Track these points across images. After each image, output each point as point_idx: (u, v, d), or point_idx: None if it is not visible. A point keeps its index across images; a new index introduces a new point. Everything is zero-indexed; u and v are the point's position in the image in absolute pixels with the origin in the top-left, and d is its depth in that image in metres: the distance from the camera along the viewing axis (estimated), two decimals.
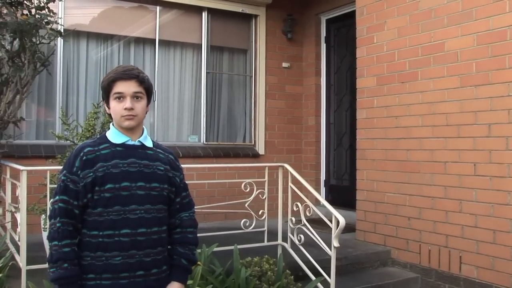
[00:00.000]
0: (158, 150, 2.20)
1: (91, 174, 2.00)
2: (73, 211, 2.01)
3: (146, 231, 2.05)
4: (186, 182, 2.31)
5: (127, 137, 2.11)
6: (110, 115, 2.13)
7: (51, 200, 2.18)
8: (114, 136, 2.11)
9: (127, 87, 2.05)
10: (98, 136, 2.22)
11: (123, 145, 2.10)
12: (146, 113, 2.16)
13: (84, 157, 2.03)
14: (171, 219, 2.20)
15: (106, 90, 2.08)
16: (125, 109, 2.04)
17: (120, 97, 2.05)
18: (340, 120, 7.04)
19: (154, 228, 2.07)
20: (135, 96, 2.07)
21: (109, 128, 2.17)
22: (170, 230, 2.20)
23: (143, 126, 2.18)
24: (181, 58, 6.82)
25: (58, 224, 1.99)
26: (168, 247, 2.19)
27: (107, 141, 2.10)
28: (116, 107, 2.07)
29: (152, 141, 2.21)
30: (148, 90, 2.13)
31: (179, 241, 2.20)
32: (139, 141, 2.13)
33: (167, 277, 2.14)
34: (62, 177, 2.04)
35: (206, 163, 6.36)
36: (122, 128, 2.10)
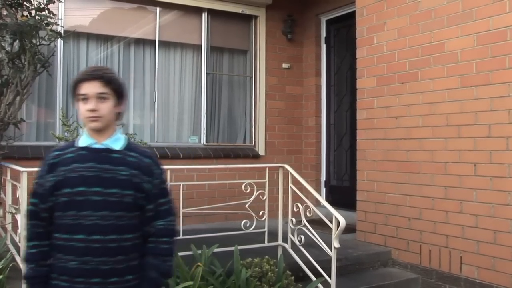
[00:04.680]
0: (129, 153, 2.09)
1: (54, 178, 2.03)
2: (40, 214, 2.05)
3: (101, 239, 1.98)
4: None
5: (92, 140, 2.07)
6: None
7: None
8: (82, 139, 2.10)
9: (90, 88, 2.02)
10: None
11: (86, 148, 2.07)
12: (120, 114, 2.12)
13: (49, 161, 2.07)
14: (145, 227, 2.10)
15: (73, 92, 2.07)
16: (88, 110, 2.02)
17: (85, 98, 2.03)
18: (340, 120, 7.04)
19: (111, 236, 1.99)
20: (100, 97, 2.02)
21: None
22: (146, 238, 2.11)
23: (116, 128, 2.12)
24: (181, 59, 6.81)
25: (28, 226, 2.07)
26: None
27: (74, 144, 2.10)
28: (81, 109, 2.05)
29: (129, 143, 2.13)
30: (117, 90, 2.07)
31: (151, 251, 2.10)
32: (104, 143, 2.07)
33: (135, 287, 2.07)
34: (34, 181, 2.11)
35: (206, 164, 6.35)
36: (90, 130, 2.08)
